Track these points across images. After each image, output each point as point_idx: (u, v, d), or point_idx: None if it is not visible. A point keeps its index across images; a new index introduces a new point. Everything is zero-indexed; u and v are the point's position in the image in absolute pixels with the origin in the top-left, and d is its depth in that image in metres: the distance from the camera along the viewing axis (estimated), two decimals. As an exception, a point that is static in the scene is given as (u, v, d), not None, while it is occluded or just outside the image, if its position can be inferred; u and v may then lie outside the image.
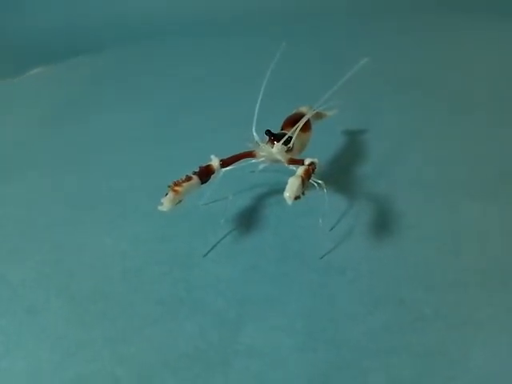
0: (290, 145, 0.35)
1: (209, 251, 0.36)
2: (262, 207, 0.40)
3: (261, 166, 0.39)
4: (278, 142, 0.35)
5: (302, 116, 0.38)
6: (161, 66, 0.82)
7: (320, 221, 0.35)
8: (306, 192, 0.31)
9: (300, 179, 0.29)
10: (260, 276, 0.33)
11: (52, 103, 0.69)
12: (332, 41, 0.87)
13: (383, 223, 0.37)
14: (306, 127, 0.39)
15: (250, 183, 0.42)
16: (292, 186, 0.29)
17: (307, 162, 0.33)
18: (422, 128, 0.52)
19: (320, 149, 0.45)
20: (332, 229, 0.37)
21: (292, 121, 0.38)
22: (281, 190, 0.29)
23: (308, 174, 0.31)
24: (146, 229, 0.38)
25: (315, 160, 0.33)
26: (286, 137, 0.34)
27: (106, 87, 0.74)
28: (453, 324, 0.28)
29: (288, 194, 0.29)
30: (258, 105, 0.35)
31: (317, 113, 0.44)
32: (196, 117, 0.59)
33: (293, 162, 0.34)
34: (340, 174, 0.44)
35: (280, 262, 0.34)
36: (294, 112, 0.42)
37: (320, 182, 0.35)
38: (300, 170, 0.31)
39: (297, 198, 0.30)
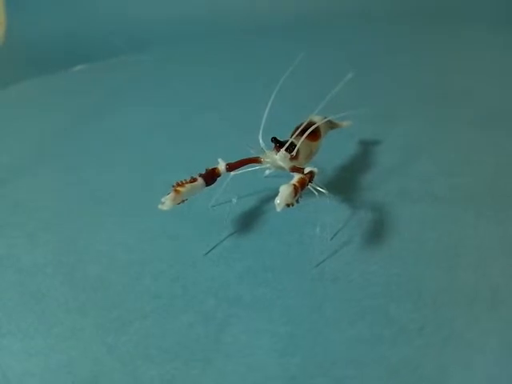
0: (294, 153, 0.35)
1: (208, 251, 0.37)
2: (265, 212, 0.40)
3: (266, 172, 0.40)
4: (279, 148, 0.35)
5: (311, 125, 0.39)
6: (188, 69, 0.84)
7: (317, 229, 0.36)
8: (300, 200, 0.32)
9: (292, 187, 0.30)
10: (253, 279, 0.34)
11: (88, 98, 0.72)
12: (353, 49, 0.87)
13: (383, 235, 0.37)
14: (316, 136, 0.40)
15: (257, 188, 0.43)
16: (283, 193, 0.29)
17: (306, 170, 0.34)
18: (435, 139, 0.51)
19: (330, 157, 0.46)
20: (332, 238, 0.37)
21: (301, 129, 0.39)
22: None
23: (303, 183, 0.31)
24: (153, 225, 0.40)
25: (314, 169, 0.34)
26: (287, 144, 0.35)
27: (138, 86, 0.77)
28: (435, 342, 0.28)
29: (278, 200, 0.29)
30: (266, 112, 0.36)
31: (330, 123, 0.44)
32: (212, 119, 0.60)
33: (294, 169, 0.35)
34: (347, 183, 0.44)
35: (275, 267, 0.35)
36: (306, 120, 0.42)
37: (324, 190, 0.36)
38: (295, 178, 0.31)
39: (289, 205, 0.30)
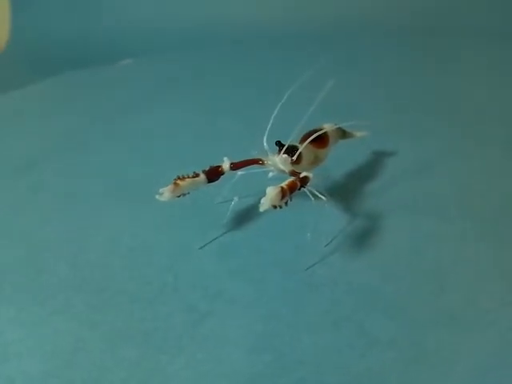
0: (294, 157, 0.36)
1: (204, 245, 0.38)
2: (264, 213, 0.41)
3: (270, 174, 0.40)
4: (284, 152, 0.36)
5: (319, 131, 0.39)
6: (217, 71, 0.87)
7: (308, 235, 0.36)
8: (289, 203, 0.32)
9: (279, 189, 0.31)
10: (242, 277, 0.35)
11: (129, 92, 0.76)
12: (370, 62, 0.87)
13: (376, 247, 0.37)
14: (323, 143, 0.40)
15: (259, 189, 0.44)
16: (269, 194, 0.30)
17: (302, 175, 0.34)
18: (446, 156, 0.50)
19: (338, 165, 0.47)
20: (327, 245, 0.37)
21: (308, 135, 0.39)
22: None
23: (292, 186, 0.32)
24: (159, 216, 0.42)
25: (309, 175, 0.34)
26: (285, 148, 0.35)
27: (175, 84, 0.80)
28: (404, 358, 0.28)
29: (263, 201, 0.30)
30: (272, 117, 0.37)
31: (343, 132, 0.44)
32: (234, 120, 0.62)
33: (293, 173, 0.35)
34: (350, 191, 0.44)
35: (265, 267, 0.36)
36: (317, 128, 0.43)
37: (324, 197, 0.36)
38: (285, 181, 0.32)
39: (275, 207, 0.31)
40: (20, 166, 0.53)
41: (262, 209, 0.30)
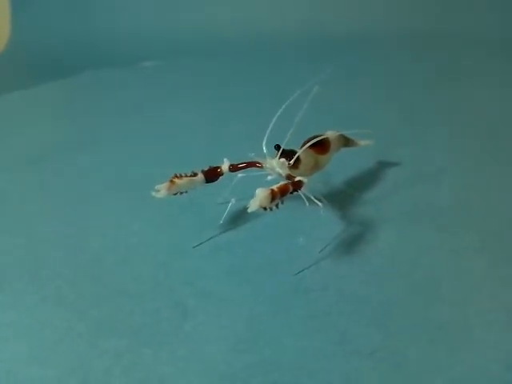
0: (291, 161, 0.36)
1: (198, 245, 0.38)
2: (260, 216, 0.41)
3: (269, 178, 0.40)
4: (282, 156, 0.36)
5: (322, 138, 0.39)
6: (230, 78, 0.88)
7: (301, 239, 0.36)
8: (279, 206, 0.32)
9: (269, 191, 0.31)
10: (233, 277, 0.35)
11: (148, 91, 0.78)
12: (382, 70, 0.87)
13: (368, 254, 0.36)
14: (324, 149, 0.40)
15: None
16: (258, 195, 0.30)
17: (296, 179, 0.34)
18: (444, 167, 0.50)
19: (339, 171, 0.47)
20: (321, 251, 0.37)
21: (308, 141, 0.39)
22: (285, 204, 0.32)
23: (284, 190, 0.32)
24: (158, 215, 0.43)
25: (303, 180, 0.34)
26: (284, 152, 0.36)
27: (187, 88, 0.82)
28: (383, 368, 0.27)
29: (251, 201, 0.30)
30: (273, 121, 0.37)
31: (346, 140, 0.44)
32: (242, 125, 0.62)
33: (289, 178, 0.36)
34: (348, 198, 0.44)
35: (257, 269, 0.36)
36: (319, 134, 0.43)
37: (320, 203, 0.36)
38: (277, 184, 0.32)
39: (265, 208, 0.31)
40: (25, 161, 0.55)
41: (250, 210, 0.30)
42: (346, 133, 0.44)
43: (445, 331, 0.30)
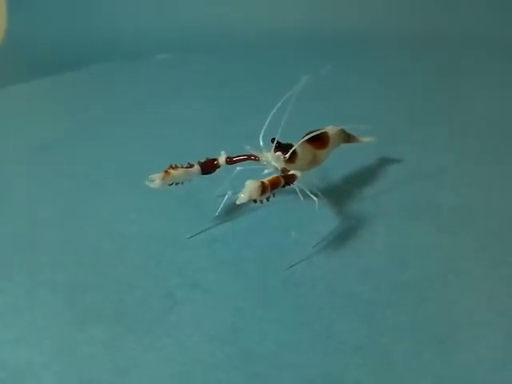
0: (287, 155, 0.36)
1: (192, 236, 0.38)
2: (255, 209, 0.41)
3: (265, 171, 0.40)
4: (278, 150, 0.36)
5: (320, 133, 0.39)
6: (241, 74, 0.89)
7: (292, 233, 0.36)
8: (270, 199, 0.32)
9: (258, 183, 0.31)
10: (224, 269, 0.35)
11: (160, 85, 0.79)
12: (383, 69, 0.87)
13: (362, 251, 0.36)
14: (323, 144, 0.40)
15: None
16: (247, 187, 0.30)
17: (290, 173, 0.34)
18: (446, 166, 0.49)
19: (338, 167, 0.46)
20: (315, 246, 0.37)
21: (309, 136, 0.39)
22: (283, 198, 0.31)
23: (275, 182, 0.32)
24: (156, 205, 0.43)
25: (297, 173, 0.34)
26: (280, 145, 0.35)
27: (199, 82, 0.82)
28: (366, 364, 0.27)
29: (242, 194, 0.30)
30: (270, 114, 0.37)
31: (347, 135, 0.44)
32: (249, 121, 0.62)
33: (284, 171, 0.35)
34: (346, 193, 0.43)
35: (249, 262, 0.36)
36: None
37: (315, 198, 0.36)
38: (268, 177, 0.32)
39: (255, 201, 0.31)
40: (35, 149, 0.56)
41: (238, 201, 0.30)
42: (347, 128, 0.43)
43: (433, 331, 0.29)
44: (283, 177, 0.33)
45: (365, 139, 0.45)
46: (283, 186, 0.33)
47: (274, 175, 0.33)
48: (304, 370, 0.27)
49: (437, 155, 0.51)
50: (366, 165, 0.49)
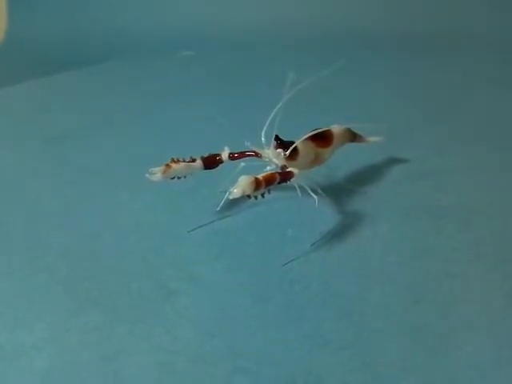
0: (287, 152, 0.36)
1: (192, 230, 0.39)
2: (257, 205, 0.41)
3: (267, 168, 0.40)
4: (280, 147, 0.36)
5: (325, 131, 0.39)
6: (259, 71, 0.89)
7: (289, 231, 0.36)
8: (265, 195, 0.32)
9: (252, 179, 0.31)
10: (219, 264, 0.35)
11: (179, 81, 0.82)
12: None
13: (363, 251, 0.36)
14: (326, 143, 0.40)
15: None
16: (240, 182, 0.30)
17: (287, 170, 0.34)
18: (452, 170, 0.48)
19: (342, 166, 0.46)
20: (313, 244, 0.37)
21: (311, 134, 0.39)
22: (286, 195, 0.31)
23: (270, 178, 0.32)
24: (160, 198, 0.44)
25: (294, 171, 0.34)
26: (277, 141, 0.35)
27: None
28: (350, 364, 0.27)
29: (235, 189, 0.30)
30: (274, 111, 0.37)
31: (353, 135, 0.43)
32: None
33: (282, 168, 0.35)
34: (347, 193, 0.43)
35: (246, 258, 0.36)
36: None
37: (315, 195, 0.36)
38: (263, 173, 0.32)
39: (249, 196, 0.31)
40: (47, 140, 0.58)
41: (231, 196, 0.30)
42: (355, 127, 0.43)
43: (422, 334, 0.29)
44: (279, 174, 0.33)
45: (372, 139, 0.45)
46: (279, 183, 0.33)
47: (270, 171, 0.33)
48: (287, 367, 0.27)
49: (439, 156, 0.51)
50: (371, 164, 0.48)
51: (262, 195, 0.32)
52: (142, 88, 0.81)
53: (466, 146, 0.53)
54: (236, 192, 0.30)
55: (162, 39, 1.14)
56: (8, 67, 1.05)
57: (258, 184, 0.31)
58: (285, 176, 0.33)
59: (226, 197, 0.40)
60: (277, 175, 0.32)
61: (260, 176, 0.31)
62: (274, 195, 0.42)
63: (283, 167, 0.35)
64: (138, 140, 0.57)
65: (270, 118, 0.37)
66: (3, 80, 0.85)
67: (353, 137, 0.43)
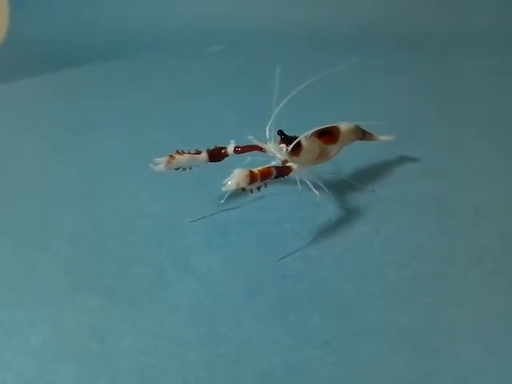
0: (289, 148, 0.36)
1: (195, 220, 0.40)
2: (260, 198, 0.42)
3: (272, 163, 0.41)
4: (283, 142, 0.36)
5: (331, 127, 0.39)
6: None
7: (286, 225, 0.36)
8: (261, 189, 0.32)
9: (247, 172, 0.31)
10: (217, 255, 0.36)
11: (187, 80, 0.84)
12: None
13: (360, 249, 0.36)
14: (332, 139, 0.40)
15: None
16: (234, 174, 0.31)
17: (286, 165, 0.34)
18: (468, 166, 0.47)
19: (348, 163, 0.46)
20: (312, 240, 0.37)
21: (318, 130, 0.38)
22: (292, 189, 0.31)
23: (266, 172, 0.32)
24: (167, 189, 0.45)
25: (293, 166, 0.34)
26: (279, 131, 0.35)
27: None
28: (329, 361, 0.27)
29: (229, 182, 0.31)
30: (279, 107, 0.37)
31: (362, 132, 0.43)
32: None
33: (283, 163, 0.36)
34: (351, 190, 0.43)
35: (244, 250, 0.36)
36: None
37: (317, 191, 0.36)
38: (260, 167, 0.32)
39: (244, 189, 0.31)
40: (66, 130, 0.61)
41: (224, 188, 0.31)
42: (365, 124, 0.43)
43: (409, 335, 0.28)
44: (276, 168, 0.33)
45: (382, 137, 0.44)
46: (276, 178, 0.33)
47: (267, 165, 0.33)
48: (267, 358, 0.27)
49: (450, 156, 0.50)
50: (380, 162, 0.48)
51: (258, 189, 0.32)
52: (153, 84, 0.83)
53: (478, 147, 0.52)
54: (230, 184, 0.30)
55: (161, 38, 1.16)
56: (10, 65, 1.09)
57: (252, 177, 0.31)
58: (282, 171, 0.33)
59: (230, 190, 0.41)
60: (273, 169, 0.33)
61: (256, 169, 0.32)
62: (280, 190, 0.42)
63: (284, 162, 0.35)
64: (156, 133, 0.59)
65: (275, 113, 0.37)
66: (5, 78, 0.89)
67: (362, 135, 0.43)
